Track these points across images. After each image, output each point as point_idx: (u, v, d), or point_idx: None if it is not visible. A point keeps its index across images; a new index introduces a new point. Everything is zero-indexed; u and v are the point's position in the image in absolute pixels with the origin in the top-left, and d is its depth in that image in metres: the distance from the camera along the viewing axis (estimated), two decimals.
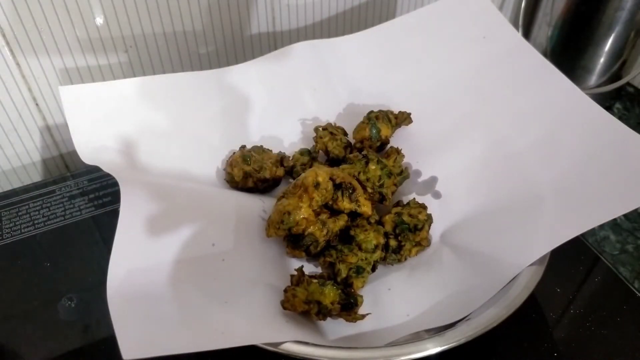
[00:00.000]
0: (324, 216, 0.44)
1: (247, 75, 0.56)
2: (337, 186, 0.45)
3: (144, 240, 0.39)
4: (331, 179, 0.44)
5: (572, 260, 0.50)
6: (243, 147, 0.51)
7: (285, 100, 0.57)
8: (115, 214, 0.40)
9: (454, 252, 0.46)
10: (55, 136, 0.63)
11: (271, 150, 0.52)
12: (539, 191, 0.45)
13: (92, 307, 0.48)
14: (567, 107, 0.48)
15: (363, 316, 0.41)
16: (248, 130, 0.55)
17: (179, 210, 0.42)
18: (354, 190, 0.45)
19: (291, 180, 0.52)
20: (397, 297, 0.44)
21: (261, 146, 0.52)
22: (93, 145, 0.45)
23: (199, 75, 0.54)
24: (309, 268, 0.47)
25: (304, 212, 0.43)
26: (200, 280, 0.40)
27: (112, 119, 0.48)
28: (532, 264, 0.41)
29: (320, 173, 0.43)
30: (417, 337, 0.41)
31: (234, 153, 0.51)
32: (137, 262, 0.38)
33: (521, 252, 0.42)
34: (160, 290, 0.38)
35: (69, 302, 0.48)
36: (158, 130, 0.50)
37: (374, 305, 0.43)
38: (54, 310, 0.47)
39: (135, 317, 0.35)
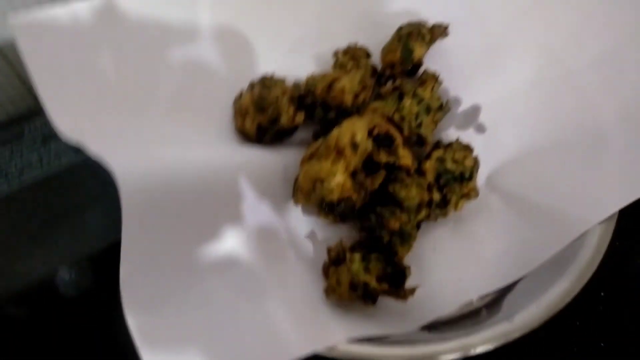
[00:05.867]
0: (360, 176, 0.37)
1: None
2: (374, 138, 0.38)
3: (153, 242, 0.32)
4: (369, 132, 0.37)
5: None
6: (252, 84, 0.42)
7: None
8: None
9: (504, 199, 0.41)
10: (11, 57, 0.51)
11: (284, 81, 0.43)
12: (603, 123, 0.39)
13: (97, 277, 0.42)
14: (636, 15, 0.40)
15: (413, 291, 0.36)
16: (251, 57, 0.44)
17: (187, 193, 0.34)
18: (392, 141, 0.38)
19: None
20: (444, 259, 0.40)
21: (272, 76, 0.43)
22: (69, 109, 0.35)
23: None
24: (344, 231, 0.41)
25: (339, 178, 0.36)
26: (225, 271, 0.34)
27: (83, 62, 0.38)
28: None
29: (358, 128, 0.35)
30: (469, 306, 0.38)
31: (241, 93, 0.41)
32: (150, 263, 0.32)
33: (588, 202, 0.37)
34: (182, 291, 0.32)
35: (69, 275, 0.43)
36: (146, 70, 0.40)
37: (419, 270, 0.39)
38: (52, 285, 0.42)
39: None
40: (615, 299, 0.43)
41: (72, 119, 0.35)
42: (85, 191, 0.46)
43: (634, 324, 0.42)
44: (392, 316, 0.37)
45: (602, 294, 0.42)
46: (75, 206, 0.46)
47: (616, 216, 0.36)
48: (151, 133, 0.36)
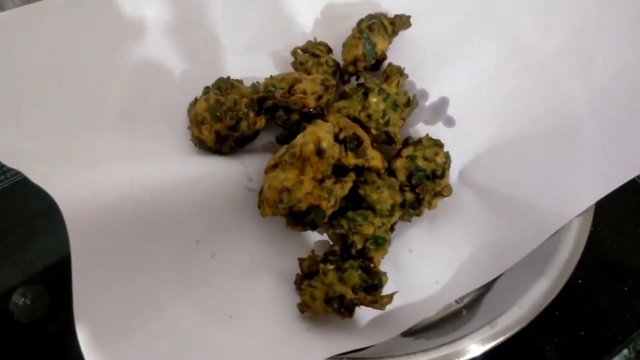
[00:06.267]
0: (328, 182, 0.35)
1: None
2: (341, 141, 0.36)
3: (107, 272, 0.29)
4: (335, 137, 0.35)
5: (622, 205, 0.44)
6: (207, 89, 0.39)
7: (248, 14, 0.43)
8: None
9: (477, 194, 0.40)
10: None
11: (241, 82, 0.40)
12: (574, 112, 0.38)
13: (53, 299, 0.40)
14: None
15: (390, 298, 0.35)
16: (206, 60, 0.41)
17: (141, 216, 0.31)
18: (360, 142, 0.36)
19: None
20: (420, 261, 0.38)
21: (228, 78, 0.40)
22: (7, 130, 0.32)
23: None
24: (315, 237, 0.39)
25: (306, 187, 0.34)
26: (192, 294, 0.32)
27: (18, 73, 0.34)
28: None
29: (323, 135, 0.33)
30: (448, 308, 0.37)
31: (196, 99, 0.39)
32: (105, 294, 0.29)
33: (564, 196, 0.36)
34: (143, 321, 0.30)
35: (23, 299, 0.40)
36: (90, 77, 0.36)
37: (395, 274, 0.37)
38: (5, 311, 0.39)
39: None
40: (592, 287, 0.43)
41: (11, 141, 0.32)
42: (34, 204, 0.43)
43: (612, 311, 0.42)
44: (370, 326, 0.35)
45: (579, 281, 0.42)
46: (25, 220, 0.42)
47: (593, 208, 0.35)
48: (98, 151, 0.33)
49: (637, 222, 0.46)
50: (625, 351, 0.47)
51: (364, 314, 0.36)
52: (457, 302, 0.37)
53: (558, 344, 0.41)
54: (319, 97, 0.36)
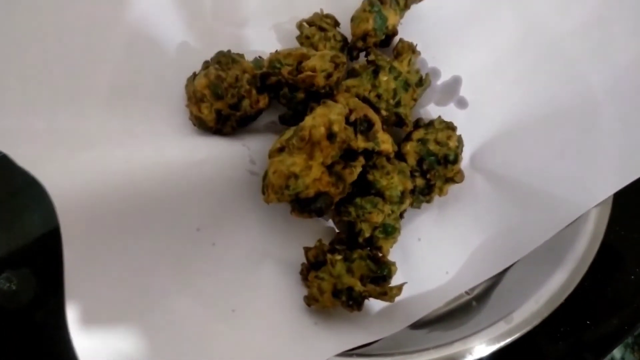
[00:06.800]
0: (337, 167, 0.33)
1: None
2: (351, 124, 0.33)
3: (101, 262, 0.27)
4: (346, 119, 0.32)
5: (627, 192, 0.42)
6: (206, 64, 0.36)
7: None
8: None
9: (490, 180, 0.38)
10: None
11: (243, 57, 0.37)
12: (593, 96, 0.36)
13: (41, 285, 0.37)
14: None
15: (400, 289, 0.33)
16: (205, 32, 0.38)
17: (137, 203, 0.29)
18: (371, 125, 0.34)
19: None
20: (429, 250, 0.37)
21: (228, 52, 0.37)
22: None
23: None
24: (320, 224, 0.37)
25: (315, 173, 0.31)
26: (192, 286, 0.30)
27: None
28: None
29: (335, 118, 0.31)
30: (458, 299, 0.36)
31: (194, 74, 0.36)
32: (99, 284, 0.27)
33: (581, 185, 0.34)
34: (140, 313, 0.28)
35: (8, 284, 0.38)
36: (79, 50, 0.33)
37: (404, 263, 0.36)
38: None
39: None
40: (599, 275, 0.42)
41: None
42: (18, 177, 0.40)
43: (618, 300, 0.41)
44: (378, 318, 0.34)
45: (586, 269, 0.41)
46: (7, 195, 0.40)
47: (612, 198, 0.34)
48: (88, 131, 0.31)
49: None
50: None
51: (372, 305, 0.34)
52: (467, 293, 0.36)
53: (564, 333, 0.40)
54: (329, 75, 0.34)
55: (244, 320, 0.30)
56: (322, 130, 0.31)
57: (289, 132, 0.32)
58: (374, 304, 0.34)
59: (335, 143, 0.31)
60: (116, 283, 0.28)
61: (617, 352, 0.54)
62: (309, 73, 0.33)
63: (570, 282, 0.32)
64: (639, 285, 0.42)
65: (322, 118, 0.31)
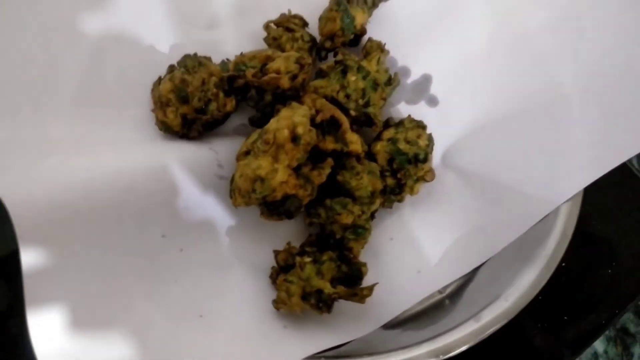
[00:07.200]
0: (305, 169, 0.33)
1: None
2: (318, 125, 0.33)
3: (62, 273, 0.27)
4: (312, 120, 0.32)
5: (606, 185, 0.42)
6: (172, 68, 0.36)
7: None
8: None
9: (461, 178, 0.38)
10: None
11: (210, 60, 0.37)
12: (563, 92, 0.36)
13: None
14: None
15: (371, 290, 0.33)
16: (172, 35, 0.38)
17: (99, 212, 0.28)
18: (339, 126, 0.34)
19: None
20: (402, 249, 0.37)
21: (195, 55, 0.37)
22: None
23: None
24: (291, 226, 0.37)
25: (281, 176, 0.31)
26: (159, 293, 0.30)
27: None
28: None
29: (298, 120, 0.31)
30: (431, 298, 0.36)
31: (160, 78, 0.36)
32: (61, 294, 0.27)
33: (551, 181, 0.34)
34: (104, 322, 0.28)
35: None
36: (42, 53, 0.33)
37: (375, 263, 0.36)
38: None
39: None
40: (576, 269, 0.42)
41: None
42: None
43: (595, 294, 0.41)
44: (350, 320, 0.33)
45: (563, 264, 0.41)
46: None
47: (582, 194, 0.34)
48: (50, 139, 0.30)
49: (621, 203, 0.45)
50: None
51: (343, 307, 0.34)
52: (440, 292, 0.36)
53: (542, 329, 0.40)
54: (294, 77, 0.34)
55: (211, 325, 0.30)
56: (286, 132, 0.30)
57: (255, 135, 0.32)
58: (345, 306, 0.34)
59: (300, 145, 0.31)
60: (79, 290, 0.28)
61: (599, 346, 0.54)
62: (274, 75, 0.33)
63: (540, 280, 0.31)
64: (615, 279, 0.42)
65: (286, 120, 0.31)
